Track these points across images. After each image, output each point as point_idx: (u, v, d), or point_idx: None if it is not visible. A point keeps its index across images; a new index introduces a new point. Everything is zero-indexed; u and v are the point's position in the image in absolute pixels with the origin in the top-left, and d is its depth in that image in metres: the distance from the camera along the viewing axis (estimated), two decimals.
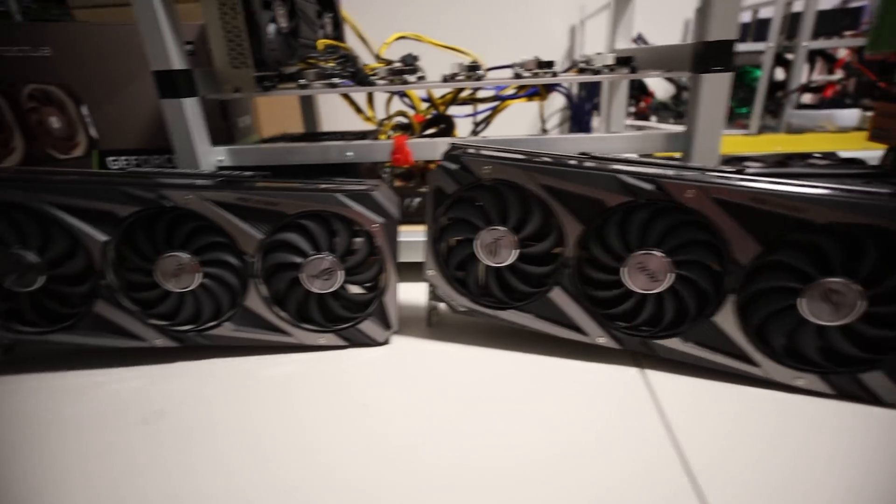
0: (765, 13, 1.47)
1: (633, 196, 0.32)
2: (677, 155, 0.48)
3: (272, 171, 0.43)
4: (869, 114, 1.16)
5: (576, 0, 1.70)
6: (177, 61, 0.46)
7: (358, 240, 0.39)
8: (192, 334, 0.39)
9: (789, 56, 1.37)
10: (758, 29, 1.48)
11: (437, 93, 0.72)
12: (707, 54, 0.41)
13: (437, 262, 0.39)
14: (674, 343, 0.34)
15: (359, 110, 0.78)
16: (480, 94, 0.79)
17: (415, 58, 0.64)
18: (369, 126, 0.79)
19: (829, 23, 1.32)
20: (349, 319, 0.40)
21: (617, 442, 0.29)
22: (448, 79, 0.54)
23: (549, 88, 0.78)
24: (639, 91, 1.53)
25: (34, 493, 0.27)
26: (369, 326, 0.40)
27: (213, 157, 0.52)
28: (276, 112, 0.94)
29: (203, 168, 0.50)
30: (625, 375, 0.35)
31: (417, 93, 0.72)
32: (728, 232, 0.31)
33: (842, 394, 0.31)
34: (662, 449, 0.29)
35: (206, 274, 0.37)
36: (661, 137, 0.48)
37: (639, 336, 0.35)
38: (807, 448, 0.28)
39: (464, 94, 0.75)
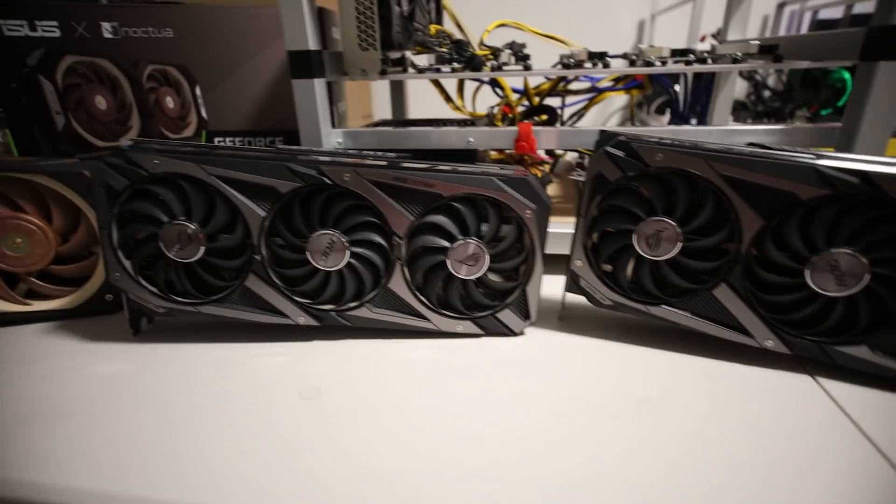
0: (860, 8, 1.37)
1: (832, 189, 0.30)
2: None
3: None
4: None
5: None
6: (312, 42, 0.46)
7: (505, 226, 0.38)
8: (333, 314, 0.39)
9: None
10: (851, 25, 1.39)
11: (529, 83, 0.70)
12: (890, 40, 0.37)
13: (585, 253, 0.37)
14: (859, 351, 0.32)
15: (448, 98, 0.77)
16: (571, 86, 0.77)
17: (522, 45, 0.63)
18: (457, 115, 0.79)
19: None
20: (488, 307, 0.39)
21: (819, 456, 0.27)
22: (573, 65, 0.52)
23: (653, 80, 0.75)
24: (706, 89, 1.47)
25: (211, 460, 0.28)
26: (508, 316, 0.39)
27: (333, 138, 0.52)
28: (350, 99, 0.94)
29: (326, 147, 0.50)
30: (797, 383, 0.33)
31: (508, 82, 0.70)
32: None
33: None
34: (877, 466, 0.26)
35: (353, 254, 0.37)
36: (810, 132, 0.45)
37: (817, 341, 0.33)
38: None
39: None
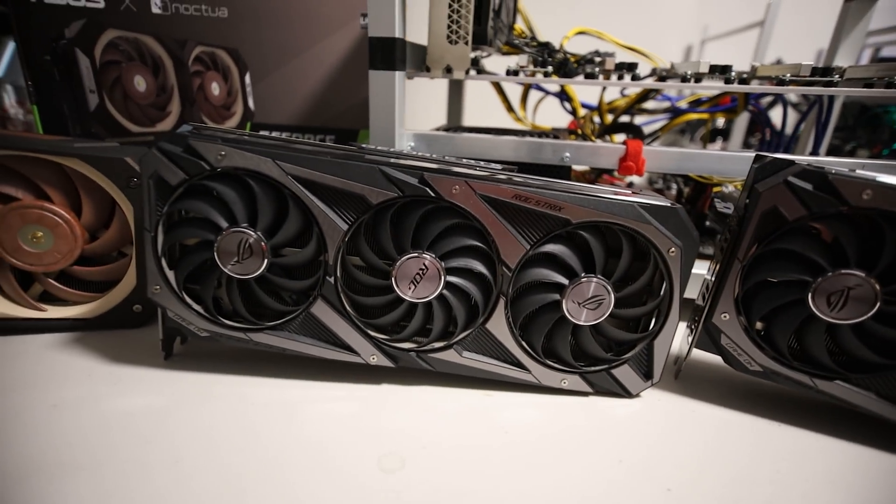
0: None
1: None
2: None
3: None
4: None
5: (699, 20, 1.59)
6: (399, 29, 0.40)
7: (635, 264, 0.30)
8: (413, 354, 0.31)
9: None
10: None
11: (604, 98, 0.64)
12: None
13: (736, 306, 0.30)
14: None
15: (510, 108, 0.70)
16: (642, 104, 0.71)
17: (611, 55, 0.56)
18: (519, 126, 0.72)
19: None
20: (602, 361, 0.32)
21: None
22: (688, 79, 0.45)
23: (747, 105, 0.68)
24: (756, 122, 1.40)
25: None
26: (626, 373, 0.32)
27: (405, 141, 0.45)
28: None
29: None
30: None
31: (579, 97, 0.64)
32: None
33: None
34: None
35: (448, 284, 0.30)
36: None
37: None
38: None
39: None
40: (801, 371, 0.29)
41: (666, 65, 0.60)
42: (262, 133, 0.58)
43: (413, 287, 0.29)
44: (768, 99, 0.88)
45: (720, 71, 0.44)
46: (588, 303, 0.30)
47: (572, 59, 0.51)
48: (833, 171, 0.26)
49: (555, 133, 0.58)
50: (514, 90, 0.67)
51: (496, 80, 0.50)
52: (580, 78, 0.47)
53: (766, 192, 0.28)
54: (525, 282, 0.30)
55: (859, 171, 0.27)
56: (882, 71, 0.42)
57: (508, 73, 0.47)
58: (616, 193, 0.29)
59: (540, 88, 0.68)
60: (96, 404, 0.29)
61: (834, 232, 0.27)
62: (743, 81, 0.45)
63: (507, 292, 0.30)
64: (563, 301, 0.30)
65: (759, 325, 0.31)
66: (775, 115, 0.73)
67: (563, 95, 0.64)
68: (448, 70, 0.44)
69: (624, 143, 0.43)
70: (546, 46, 0.53)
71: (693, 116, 0.72)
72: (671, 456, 0.28)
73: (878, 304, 0.27)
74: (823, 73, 0.42)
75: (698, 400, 0.33)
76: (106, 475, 0.24)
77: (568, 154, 0.43)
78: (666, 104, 0.75)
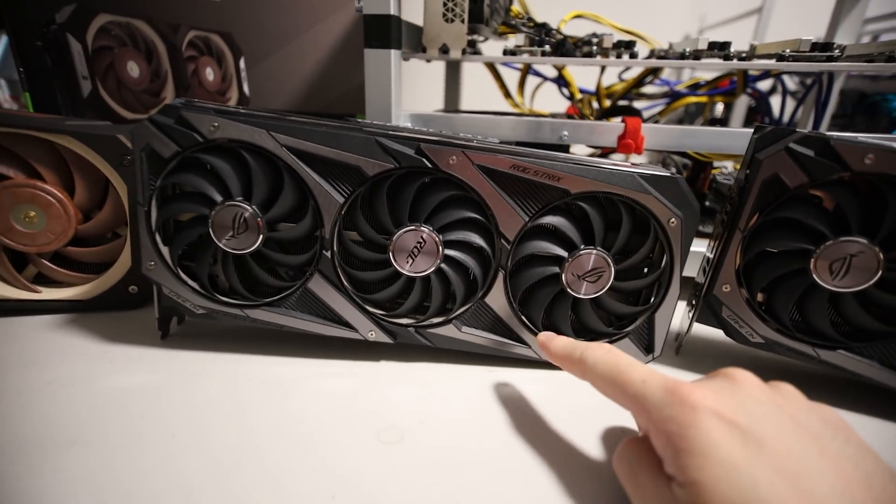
0: None
1: None
2: None
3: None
4: None
5: (695, 10, 1.58)
6: (394, 6, 0.39)
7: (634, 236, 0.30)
8: (412, 330, 0.31)
9: None
10: None
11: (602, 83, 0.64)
12: None
13: (737, 277, 0.30)
14: None
15: (507, 94, 0.70)
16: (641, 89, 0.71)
17: (608, 35, 0.56)
18: (514, 111, 0.72)
19: None
20: (601, 335, 0.32)
21: None
22: (687, 56, 0.45)
23: (746, 86, 0.67)
24: (755, 111, 1.39)
25: None
26: (626, 347, 0.32)
27: (401, 122, 0.45)
28: None
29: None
30: None
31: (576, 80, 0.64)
32: None
33: None
34: None
35: (447, 257, 0.29)
36: None
37: None
38: None
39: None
40: (803, 341, 0.29)
41: (664, 46, 0.60)
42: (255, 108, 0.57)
43: (411, 261, 0.29)
44: (767, 85, 0.87)
45: (719, 48, 0.44)
46: (588, 275, 0.30)
47: (570, 41, 0.50)
48: (835, 137, 0.26)
49: (553, 117, 0.58)
50: (511, 76, 0.67)
51: (493, 61, 0.49)
52: (578, 57, 0.47)
53: (768, 159, 0.27)
54: (524, 255, 0.30)
55: (861, 137, 0.27)
56: (882, 47, 0.42)
57: (506, 53, 0.47)
58: (615, 165, 0.28)
59: (538, 74, 0.68)
60: (92, 382, 0.29)
61: (835, 198, 0.27)
62: (742, 59, 0.44)
63: (506, 266, 0.30)
64: (563, 274, 0.29)
65: (760, 296, 0.30)
66: (773, 103, 0.72)
67: (561, 80, 0.63)
68: (444, 50, 0.43)
69: (623, 120, 0.42)
70: (543, 27, 0.52)
71: (692, 100, 0.71)
72: None
73: (881, 272, 0.26)
74: (823, 48, 0.42)
75: (700, 374, 0.33)
76: (101, 450, 0.24)
77: (566, 132, 0.43)
78: (664, 88, 0.75)
